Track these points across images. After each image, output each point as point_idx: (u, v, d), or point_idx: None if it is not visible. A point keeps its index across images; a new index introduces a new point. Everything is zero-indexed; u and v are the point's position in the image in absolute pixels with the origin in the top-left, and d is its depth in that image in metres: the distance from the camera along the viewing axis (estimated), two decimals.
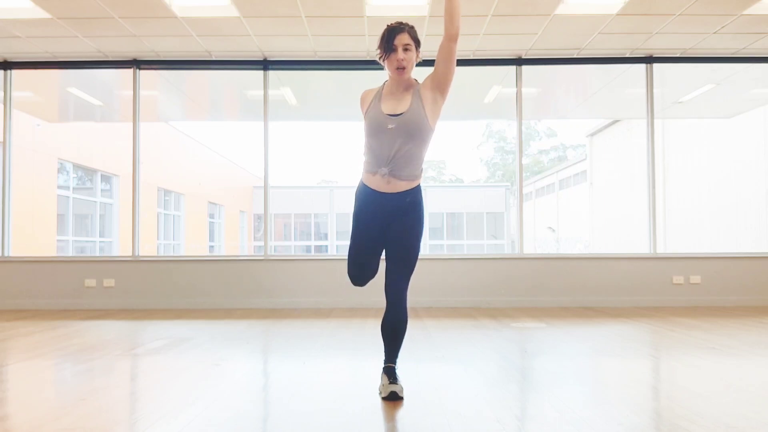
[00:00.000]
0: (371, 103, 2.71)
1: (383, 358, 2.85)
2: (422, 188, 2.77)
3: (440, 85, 2.66)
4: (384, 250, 2.79)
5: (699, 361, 3.49)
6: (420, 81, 2.75)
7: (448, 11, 2.56)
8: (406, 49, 2.61)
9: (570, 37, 5.95)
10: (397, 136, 2.61)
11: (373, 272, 2.86)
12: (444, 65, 2.63)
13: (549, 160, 40.59)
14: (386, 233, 2.74)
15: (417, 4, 5.16)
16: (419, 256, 2.79)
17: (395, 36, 2.60)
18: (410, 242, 2.72)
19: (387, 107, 2.66)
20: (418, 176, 2.72)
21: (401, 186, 2.68)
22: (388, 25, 2.65)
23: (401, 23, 2.66)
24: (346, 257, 2.84)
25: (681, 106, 8.87)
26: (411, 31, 2.64)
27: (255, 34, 5.82)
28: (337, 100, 8.37)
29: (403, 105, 2.65)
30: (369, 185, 2.73)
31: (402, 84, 2.68)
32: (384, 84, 2.77)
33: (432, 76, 2.68)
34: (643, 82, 6.66)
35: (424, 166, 2.80)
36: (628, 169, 18.18)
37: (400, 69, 2.62)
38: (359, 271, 2.82)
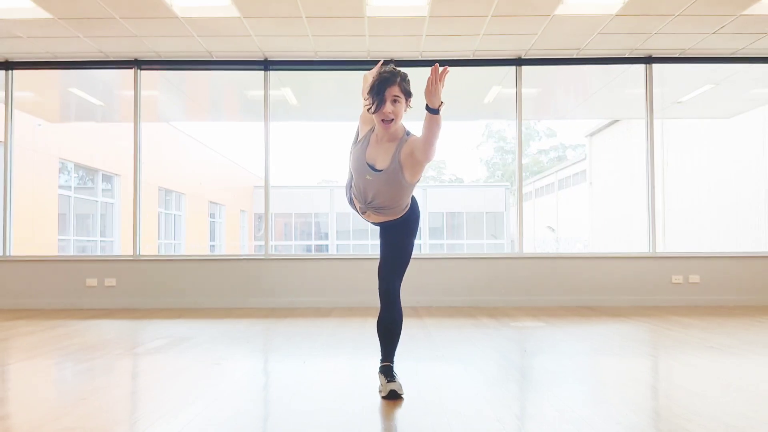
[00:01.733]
0: (361, 140, 2.72)
1: (380, 357, 2.86)
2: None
3: (421, 161, 2.60)
4: (380, 248, 2.84)
5: (698, 361, 3.50)
6: (408, 131, 2.69)
7: (425, 140, 2.45)
8: (395, 101, 2.55)
9: (569, 37, 5.96)
10: (375, 186, 2.65)
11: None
12: (422, 156, 2.55)
13: (548, 160, 40.58)
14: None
15: (417, 4, 5.17)
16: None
17: (385, 88, 2.54)
18: (404, 243, 2.77)
19: (371, 156, 2.67)
20: (404, 209, 2.75)
21: (387, 217, 2.75)
22: (380, 73, 2.59)
23: (394, 73, 2.58)
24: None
25: (680, 106, 8.88)
26: (402, 83, 2.58)
27: (255, 34, 5.83)
28: (338, 100, 8.38)
29: (385, 160, 2.63)
30: (357, 209, 2.83)
31: (389, 133, 2.63)
32: (374, 129, 2.73)
33: (414, 151, 2.57)
34: (642, 82, 6.67)
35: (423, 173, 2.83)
36: (627, 169, 18.19)
37: (387, 122, 2.57)
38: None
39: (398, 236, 2.78)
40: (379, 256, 2.85)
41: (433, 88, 2.32)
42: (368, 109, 2.61)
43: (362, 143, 2.70)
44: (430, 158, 2.52)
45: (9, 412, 2.54)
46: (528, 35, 5.90)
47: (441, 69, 2.33)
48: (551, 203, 29.53)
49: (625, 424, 2.27)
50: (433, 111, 2.38)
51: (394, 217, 2.75)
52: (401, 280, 2.81)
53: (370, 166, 2.64)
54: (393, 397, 2.66)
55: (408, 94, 2.61)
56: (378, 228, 2.86)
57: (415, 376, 3.14)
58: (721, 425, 2.26)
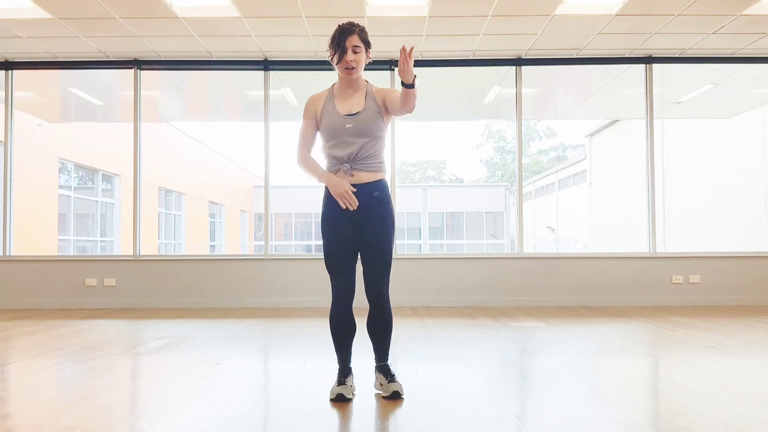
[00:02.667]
0: (324, 106, 2.75)
1: (374, 356, 2.87)
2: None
3: (389, 113, 2.76)
4: (359, 255, 2.78)
5: (698, 361, 3.51)
6: (370, 82, 2.81)
7: (405, 105, 2.57)
8: (355, 51, 2.66)
9: (569, 37, 5.96)
10: (355, 135, 2.67)
11: (353, 283, 2.81)
12: (397, 112, 2.71)
13: (548, 160, 40.59)
14: (359, 235, 2.72)
15: (417, 4, 5.17)
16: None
17: (345, 38, 2.65)
18: (383, 242, 2.73)
19: (342, 108, 2.72)
20: (381, 168, 2.76)
21: (365, 177, 2.70)
22: (339, 26, 2.69)
23: (352, 24, 2.70)
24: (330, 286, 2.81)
25: (680, 106, 8.88)
26: (361, 33, 2.69)
27: (255, 34, 5.83)
28: None
29: (357, 104, 2.72)
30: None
31: (352, 85, 2.74)
32: (333, 86, 2.80)
33: (387, 100, 2.72)
34: (642, 82, 6.67)
35: (388, 164, 2.86)
36: (627, 169, 18.19)
37: (349, 69, 2.67)
38: (343, 282, 2.77)
39: (377, 236, 2.71)
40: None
41: (405, 66, 2.44)
42: (330, 59, 2.72)
43: (327, 106, 2.73)
44: (410, 111, 2.65)
45: (9, 411, 2.54)
46: (528, 35, 5.90)
47: (409, 49, 2.46)
48: (551, 203, 29.54)
49: (625, 424, 2.28)
50: (408, 86, 2.51)
51: (375, 177, 2.71)
52: (388, 281, 2.79)
53: (347, 115, 2.70)
54: (395, 397, 2.66)
55: (368, 44, 2.72)
56: (349, 229, 2.73)
57: (415, 376, 3.14)
58: (721, 425, 2.26)
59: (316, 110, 2.77)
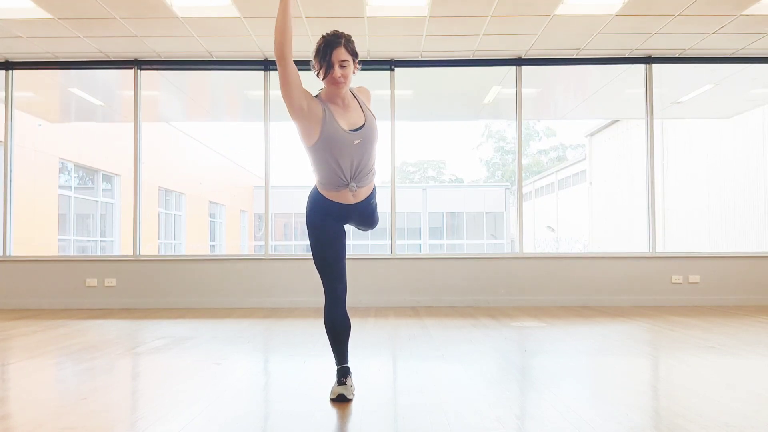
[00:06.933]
0: (324, 118, 2.53)
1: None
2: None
3: None
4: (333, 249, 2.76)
5: (698, 360, 3.51)
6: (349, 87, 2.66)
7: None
8: (342, 66, 2.51)
9: (569, 37, 5.96)
10: (361, 149, 2.60)
11: (345, 281, 2.80)
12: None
13: (548, 160, 40.58)
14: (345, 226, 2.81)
15: (417, 4, 5.17)
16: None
17: (331, 52, 2.49)
18: (372, 220, 2.85)
19: (345, 124, 2.57)
20: (374, 178, 2.78)
21: (364, 192, 2.70)
22: (323, 36, 2.54)
23: (337, 35, 2.54)
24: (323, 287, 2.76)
25: (680, 107, 8.88)
26: (347, 44, 2.54)
27: (255, 34, 5.83)
28: None
29: (358, 117, 2.62)
30: (333, 200, 2.67)
31: (340, 95, 2.58)
32: (323, 100, 2.58)
33: (367, 102, 2.72)
34: (642, 82, 6.67)
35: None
36: (627, 169, 18.19)
37: (338, 84, 2.53)
38: (336, 281, 2.75)
39: (364, 219, 2.80)
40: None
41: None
42: (317, 74, 2.56)
43: (327, 121, 2.53)
44: None
45: (10, 411, 2.54)
46: (528, 35, 5.90)
47: None
48: (551, 203, 29.52)
49: (625, 424, 2.28)
50: None
51: (371, 189, 2.74)
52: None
53: (352, 131, 2.58)
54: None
55: (355, 55, 2.57)
56: (342, 235, 2.75)
57: (415, 376, 3.14)
58: (721, 425, 2.26)
59: (314, 109, 2.53)
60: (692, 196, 15.18)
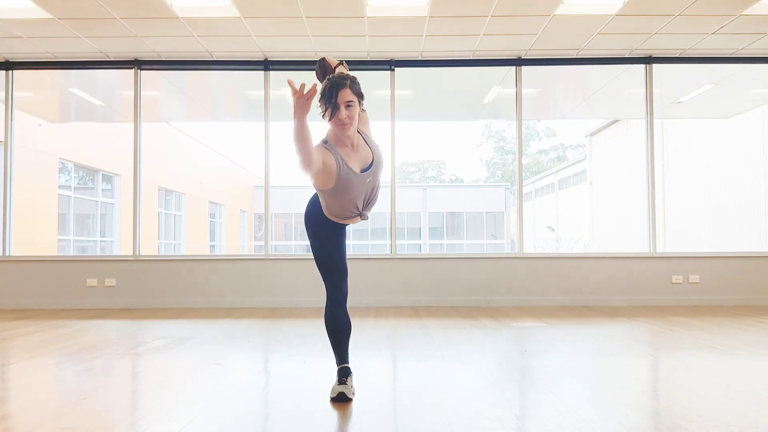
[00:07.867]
0: (340, 168, 2.53)
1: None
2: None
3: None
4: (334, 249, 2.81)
5: (698, 360, 3.51)
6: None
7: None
8: (348, 106, 2.49)
9: (569, 37, 5.96)
10: (372, 182, 2.66)
11: (347, 281, 2.85)
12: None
13: (548, 160, 40.57)
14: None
15: (417, 4, 5.17)
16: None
17: (337, 93, 2.48)
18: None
19: (356, 166, 2.59)
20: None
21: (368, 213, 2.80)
22: (328, 78, 2.55)
23: (342, 76, 2.54)
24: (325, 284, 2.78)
25: (680, 107, 8.88)
26: (353, 85, 2.53)
27: (255, 34, 5.83)
28: None
29: (366, 154, 2.64)
30: (339, 222, 2.73)
31: (348, 136, 2.57)
32: (330, 145, 2.57)
33: (364, 125, 2.76)
34: (642, 82, 6.67)
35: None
36: (627, 169, 18.18)
37: (343, 125, 2.52)
38: (339, 281, 2.79)
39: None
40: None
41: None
42: (322, 116, 2.55)
43: (341, 167, 2.53)
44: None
45: (10, 411, 2.54)
46: (528, 35, 5.90)
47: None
48: (551, 203, 29.52)
49: (625, 424, 2.28)
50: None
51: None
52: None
53: (363, 170, 2.61)
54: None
55: (360, 96, 2.57)
56: (334, 231, 2.80)
57: (415, 376, 3.14)
58: (721, 425, 2.26)
59: (329, 163, 2.51)
60: (692, 196, 15.18)
